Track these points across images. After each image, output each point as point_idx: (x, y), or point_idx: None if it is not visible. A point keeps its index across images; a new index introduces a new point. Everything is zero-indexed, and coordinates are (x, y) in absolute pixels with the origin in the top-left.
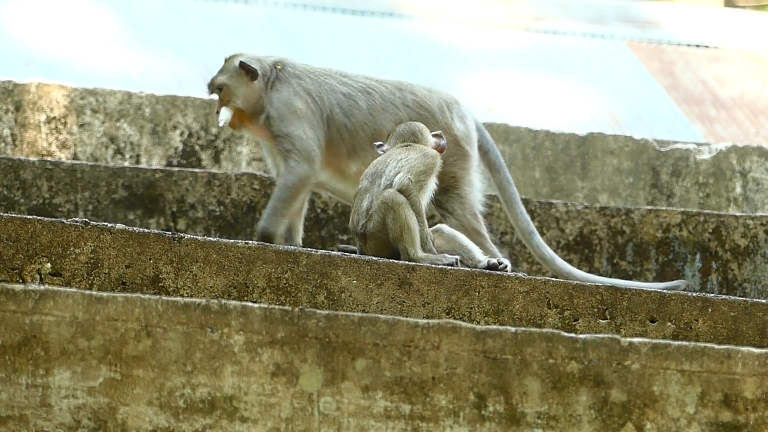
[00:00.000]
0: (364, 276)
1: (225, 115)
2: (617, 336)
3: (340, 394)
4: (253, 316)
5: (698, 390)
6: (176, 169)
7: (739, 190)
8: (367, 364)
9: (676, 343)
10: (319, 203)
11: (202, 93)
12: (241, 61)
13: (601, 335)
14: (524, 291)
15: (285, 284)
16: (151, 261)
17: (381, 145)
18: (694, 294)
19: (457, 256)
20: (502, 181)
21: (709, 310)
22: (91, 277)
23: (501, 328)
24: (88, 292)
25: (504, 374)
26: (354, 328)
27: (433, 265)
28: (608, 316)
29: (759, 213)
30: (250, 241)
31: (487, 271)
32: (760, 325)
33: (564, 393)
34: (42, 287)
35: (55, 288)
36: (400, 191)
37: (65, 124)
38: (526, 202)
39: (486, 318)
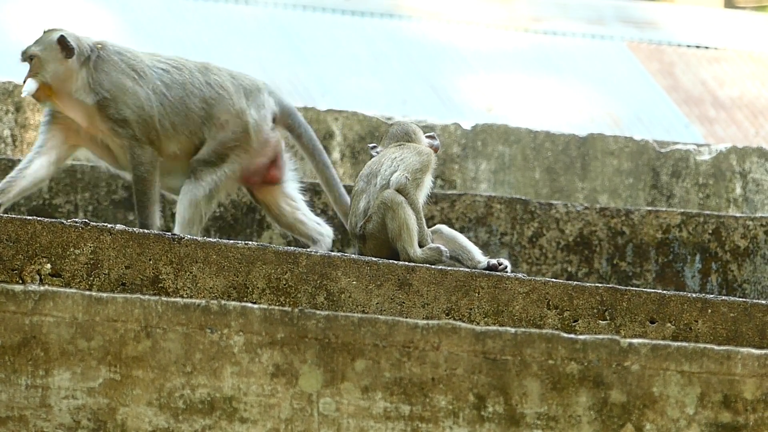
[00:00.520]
0: (364, 277)
1: (29, 86)
2: (617, 337)
3: (339, 395)
4: (253, 316)
5: (698, 391)
6: None
7: (738, 191)
8: (367, 364)
9: (676, 344)
10: (319, 204)
11: None
12: (61, 36)
13: (600, 336)
14: (524, 292)
15: (285, 285)
16: (151, 262)
17: (375, 147)
18: (694, 295)
19: (440, 245)
20: (319, 164)
21: (709, 311)
22: (91, 278)
23: (501, 329)
24: (87, 292)
25: (504, 375)
26: (354, 329)
27: (432, 266)
28: (608, 317)
29: (759, 214)
30: (250, 242)
31: (487, 272)
32: (759, 326)
33: (564, 394)
34: (42, 288)
35: (55, 289)
36: (398, 190)
37: None
38: (526, 203)
39: (486, 319)
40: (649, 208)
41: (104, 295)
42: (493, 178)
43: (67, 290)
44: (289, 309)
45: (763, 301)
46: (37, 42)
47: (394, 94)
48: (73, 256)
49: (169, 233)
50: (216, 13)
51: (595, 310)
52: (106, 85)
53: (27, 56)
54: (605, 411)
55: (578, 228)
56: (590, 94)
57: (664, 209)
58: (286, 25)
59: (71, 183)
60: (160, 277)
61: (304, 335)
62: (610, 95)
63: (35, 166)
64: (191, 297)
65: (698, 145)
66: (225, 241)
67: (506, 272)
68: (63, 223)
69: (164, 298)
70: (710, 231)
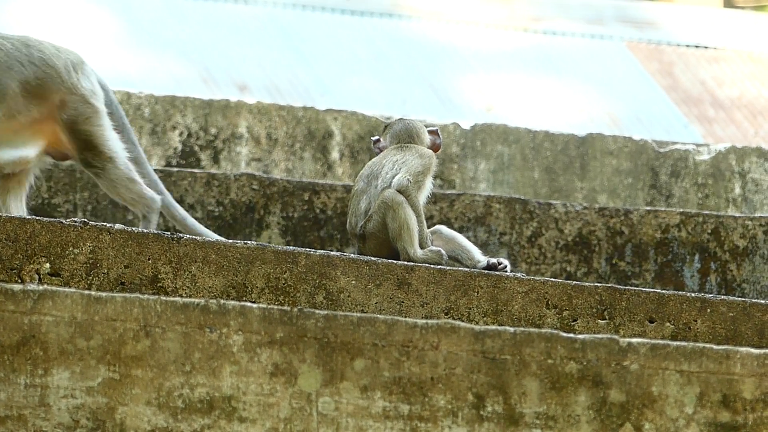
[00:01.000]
0: (363, 276)
1: None
2: (616, 336)
3: (338, 395)
4: (252, 316)
5: (697, 390)
6: (175, 169)
7: (738, 190)
8: (366, 364)
9: (675, 343)
10: (318, 203)
11: (201, 93)
12: None
13: (599, 335)
14: (523, 291)
15: (284, 284)
16: (150, 261)
17: (377, 141)
18: (693, 294)
19: (441, 249)
20: (127, 142)
21: (708, 310)
22: (90, 277)
23: (500, 328)
24: (86, 292)
25: (503, 374)
26: (353, 329)
27: (431, 265)
28: (607, 317)
29: (758, 214)
30: (249, 242)
31: (486, 271)
32: (758, 325)
33: (563, 393)
34: (41, 287)
35: (54, 288)
36: (399, 191)
37: None
38: (525, 202)
39: (485, 318)
40: (648, 208)
41: (103, 294)
42: (492, 178)
43: (66, 289)
44: (288, 308)
45: (762, 301)
46: None
47: (394, 94)
48: (72, 256)
49: (169, 233)
50: (216, 13)
51: (594, 310)
52: None
53: None
54: (604, 410)
55: (577, 228)
56: (589, 93)
57: (663, 209)
58: (286, 25)
59: (70, 182)
60: (159, 276)
61: (303, 335)
62: (609, 95)
63: None
64: (190, 296)
65: (697, 145)
66: (224, 240)
67: (505, 271)
68: (62, 222)
69: (163, 298)
70: (709, 231)
